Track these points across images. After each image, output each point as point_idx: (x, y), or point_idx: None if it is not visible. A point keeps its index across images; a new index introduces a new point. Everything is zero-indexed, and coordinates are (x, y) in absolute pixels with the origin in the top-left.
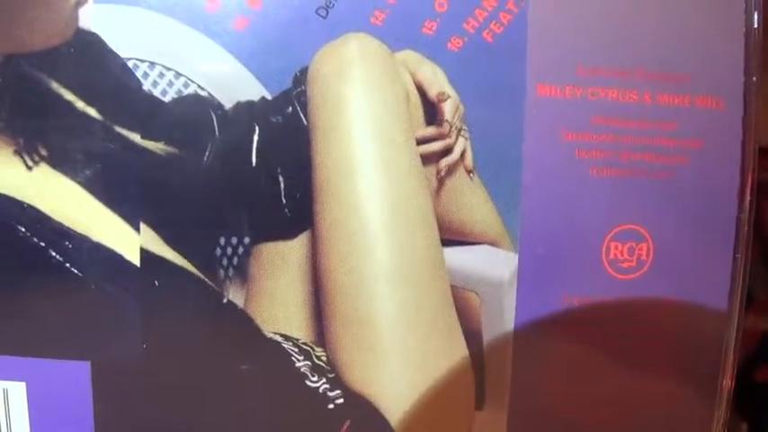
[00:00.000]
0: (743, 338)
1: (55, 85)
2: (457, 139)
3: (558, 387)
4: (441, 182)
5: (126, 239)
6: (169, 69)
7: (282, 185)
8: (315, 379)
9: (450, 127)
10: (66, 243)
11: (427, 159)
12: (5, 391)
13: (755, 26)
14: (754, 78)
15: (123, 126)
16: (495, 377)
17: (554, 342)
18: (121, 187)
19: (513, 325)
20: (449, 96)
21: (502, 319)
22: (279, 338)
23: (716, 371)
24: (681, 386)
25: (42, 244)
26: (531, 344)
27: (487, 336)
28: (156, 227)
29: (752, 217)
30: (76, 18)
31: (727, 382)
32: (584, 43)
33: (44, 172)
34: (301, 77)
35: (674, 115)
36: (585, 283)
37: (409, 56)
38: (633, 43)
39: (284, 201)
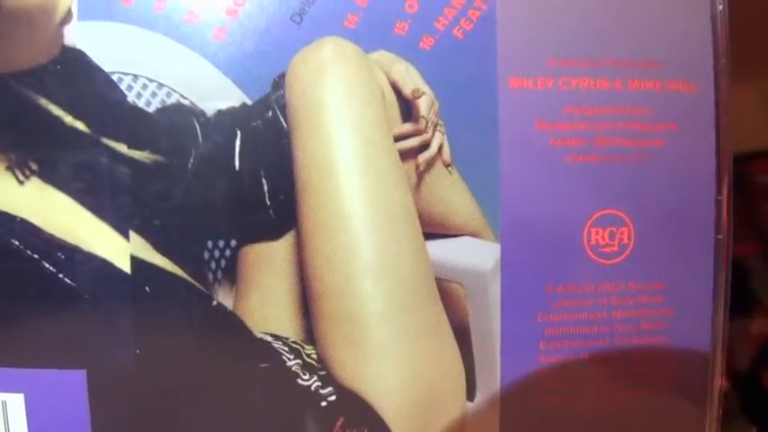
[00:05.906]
0: (750, 343)
1: (43, 102)
2: (433, 134)
3: (549, 377)
4: (420, 177)
5: (116, 248)
6: (152, 81)
7: (266, 188)
8: (306, 377)
9: (427, 123)
10: (59, 254)
11: (406, 155)
12: (4, 404)
13: (720, 8)
14: (723, 60)
15: (110, 138)
16: (484, 368)
17: (541, 332)
18: (110, 197)
19: (499, 315)
20: (423, 93)
21: (488, 309)
22: (269, 338)
23: (705, 358)
24: (672, 373)
25: (36, 256)
26: (518, 334)
27: (474, 326)
28: (145, 234)
29: (730, 200)
30: (62, 36)
31: (718, 381)
32: (553, 36)
33: (35, 186)
34: (279, 82)
35: (647, 100)
36: (568, 269)
37: (383, 56)
38: (601, 33)
39: (268, 202)
